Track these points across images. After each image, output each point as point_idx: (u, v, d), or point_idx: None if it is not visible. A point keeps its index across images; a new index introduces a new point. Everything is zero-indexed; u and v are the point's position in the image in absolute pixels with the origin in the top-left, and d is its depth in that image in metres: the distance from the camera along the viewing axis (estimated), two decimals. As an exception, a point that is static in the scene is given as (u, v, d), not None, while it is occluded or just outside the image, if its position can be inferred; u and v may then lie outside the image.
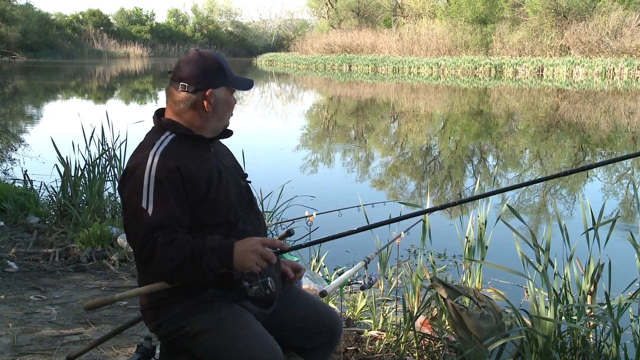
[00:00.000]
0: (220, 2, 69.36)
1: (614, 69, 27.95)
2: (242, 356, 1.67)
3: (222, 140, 2.00)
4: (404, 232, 3.35)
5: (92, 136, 5.30)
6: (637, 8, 32.13)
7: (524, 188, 7.51)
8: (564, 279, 2.56)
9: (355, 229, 2.02)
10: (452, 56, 34.69)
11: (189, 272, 1.65)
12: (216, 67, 1.82)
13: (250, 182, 2.01)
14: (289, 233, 2.43)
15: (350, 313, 3.28)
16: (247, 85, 1.91)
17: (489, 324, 2.43)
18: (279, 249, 1.79)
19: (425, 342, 2.78)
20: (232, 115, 1.92)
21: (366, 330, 3.02)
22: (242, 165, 2.06)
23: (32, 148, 9.21)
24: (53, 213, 5.00)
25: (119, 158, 5.21)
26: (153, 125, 1.88)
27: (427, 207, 3.40)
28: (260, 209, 2.08)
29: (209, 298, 1.75)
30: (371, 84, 26.97)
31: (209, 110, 1.81)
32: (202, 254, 1.65)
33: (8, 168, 7.81)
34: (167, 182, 1.70)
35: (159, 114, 1.89)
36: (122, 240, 4.19)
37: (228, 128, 1.94)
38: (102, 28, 57.77)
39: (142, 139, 1.87)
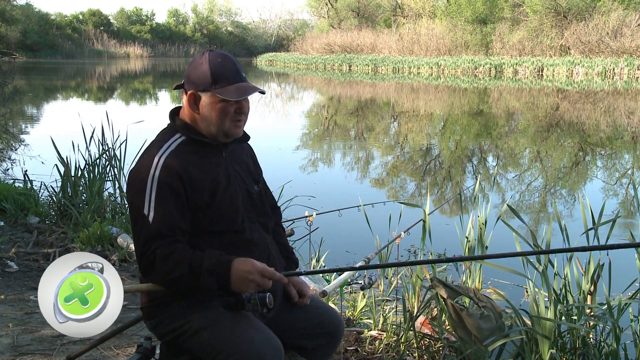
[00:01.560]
0: (220, 2, 69.40)
1: (614, 69, 27.94)
2: (243, 349, 1.67)
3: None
4: (404, 232, 3.35)
5: (92, 136, 5.30)
6: (637, 8, 32.12)
7: (524, 187, 7.52)
8: (564, 279, 2.56)
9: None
10: (452, 56, 34.67)
11: (186, 286, 1.68)
12: (204, 70, 1.76)
13: (261, 185, 1.99)
14: (289, 233, 2.43)
15: (350, 313, 3.28)
16: (238, 95, 1.76)
17: (489, 324, 2.43)
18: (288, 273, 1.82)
19: (425, 342, 2.78)
20: (237, 125, 1.81)
21: (366, 330, 3.02)
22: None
23: (32, 148, 9.21)
24: (53, 213, 4.99)
25: (119, 158, 5.21)
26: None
27: (427, 207, 3.40)
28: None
29: (207, 297, 1.76)
30: (371, 84, 26.96)
31: (195, 112, 1.80)
32: (199, 273, 1.65)
33: (8, 168, 7.81)
34: (168, 188, 1.70)
35: (175, 112, 1.88)
36: (122, 240, 4.19)
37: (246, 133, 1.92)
38: (102, 28, 57.76)
39: (151, 137, 1.87)
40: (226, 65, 1.78)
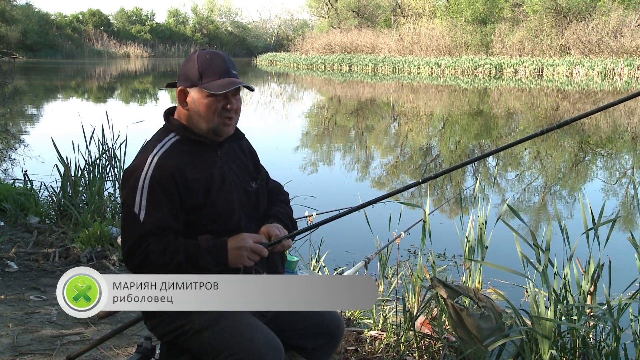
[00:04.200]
0: (220, 2, 69.38)
1: (614, 69, 27.94)
2: (244, 349, 1.67)
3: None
4: (404, 232, 3.34)
5: (92, 136, 5.30)
6: (637, 8, 32.12)
7: (524, 187, 7.52)
8: (564, 279, 2.56)
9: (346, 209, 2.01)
10: (452, 56, 34.67)
11: (184, 273, 1.67)
12: (192, 66, 1.79)
13: (259, 182, 1.98)
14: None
15: (350, 313, 3.28)
16: (222, 88, 1.75)
17: (489, 324, 2.43)
18: (273, 242, 1.80)
19: (425, 342, 2.78)
20: (226, 123, 1.81)
21: (366, 330, 3.02)
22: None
23: (32, 148, 9.21)
24: (53, 213, 5.00)
25: (119, 158, 5.21)
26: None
27: (427, 207, 3.40)
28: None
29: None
30: (371, 84, 26.96)
31: (185, 109, 1.81)
32: (197, 256, 1.68)
33: (8, 168, 7.81)
34: (160, 187, 1.71)
35: (169, 112, 1.89)
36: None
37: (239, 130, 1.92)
38: (102, 28, 57.75)
39: (149, 137, 1.88)
40: (214, 61, 1.79)
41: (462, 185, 7.50)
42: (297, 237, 4.04)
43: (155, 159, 1.74)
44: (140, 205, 1.70)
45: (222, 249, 1.70)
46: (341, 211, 1.98)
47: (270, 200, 2.02)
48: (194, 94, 1.79)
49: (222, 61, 1.80)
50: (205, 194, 1.77)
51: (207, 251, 1.69)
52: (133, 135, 5.51)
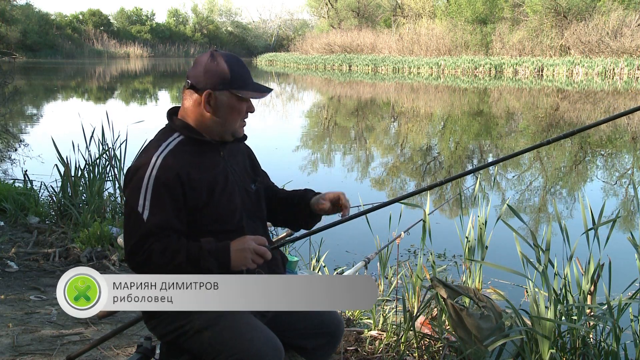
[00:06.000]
0: (220, 2, 69.32)
1: (614, 69, 27.93)
2: (244, 349, 1.67)
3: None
4: (404, 232, 3.34)
5: (92, 136, 5.30)
6: (637, 8, 32.11)
7: (524, 187, 7.52)
8: (564, 279, 2.56)
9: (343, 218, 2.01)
10: (452, 56, 34.67)
11: (185, 273, 1.67)
12: (222, 69, 1.77)
13: (258, 184, 1.99)
14: (289, 233, 2.42)
15: (350, 313, 3.29)
16: (258, 94, 1.82)
17: (489, 324, 2.43)
18: (275, 245, 1.81)
19: (425, 342, 2.78)
20: (243, 124, 1.86)
21: (366, 330, 3.02)
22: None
23: (32, 148, 9.22)
24: (53, 213, 5.00)
25: (119, 158, 5.22)
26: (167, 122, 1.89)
27: (427, 207, 3.40)
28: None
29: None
30: (371, 84, 26.96)
31: (208, 112, 1.79)
32: (199, 258, 1.67)
33: (8, 168, 7.81)
34: (164, 188, 1.70)
35: (172, 112, 1.88)
36: (122, 240, 4.19)
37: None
38: (102, 28, 57.71)
39: (151, 137, 1.87)
40: (242, 66, 1.83)
41: (462, 185, 7.49)
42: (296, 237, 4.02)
43: (160, 158, 1.73)
44: (144, 204, 1.69)
45: (225, 251, 1.69)
46: (343, 217, 1.98)
47: (279, 193, 2.07)
48: (222, 97, 1.78)
49: (245, 66, 1.84)
50: (209, 194, 1.77)
51: (209, 252, 1.68)
52: (133, 135, 5.51)
